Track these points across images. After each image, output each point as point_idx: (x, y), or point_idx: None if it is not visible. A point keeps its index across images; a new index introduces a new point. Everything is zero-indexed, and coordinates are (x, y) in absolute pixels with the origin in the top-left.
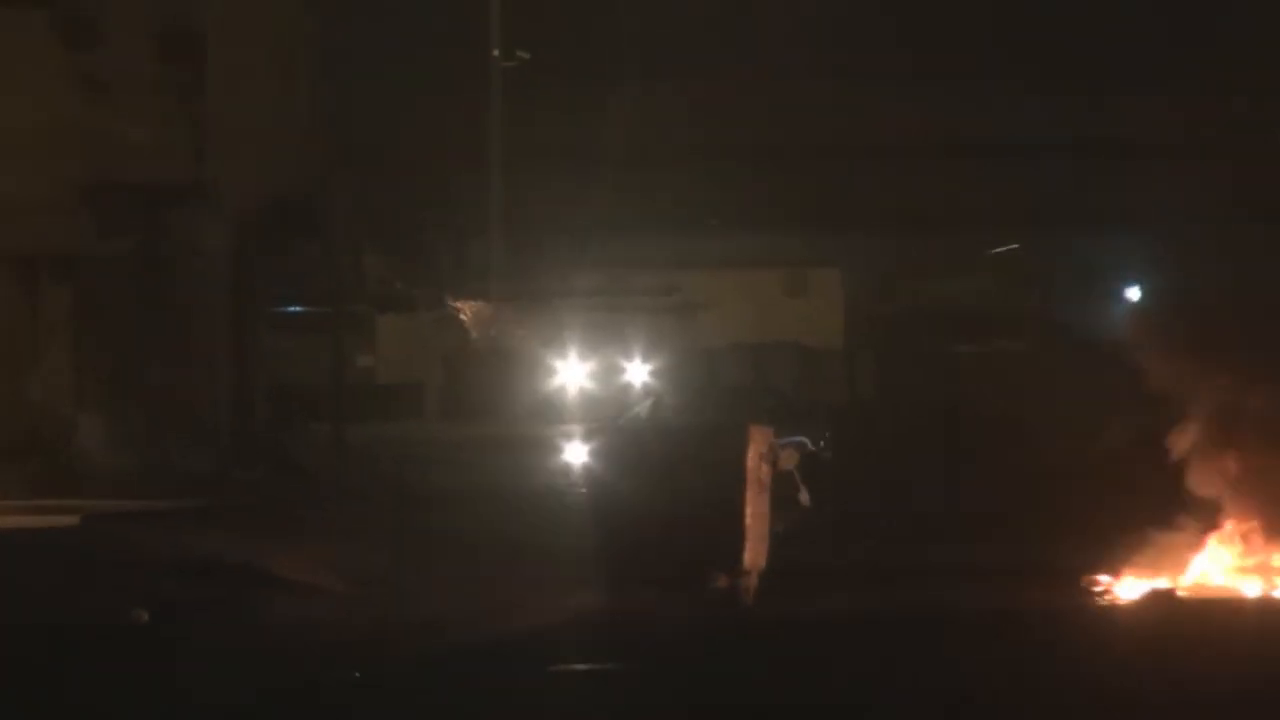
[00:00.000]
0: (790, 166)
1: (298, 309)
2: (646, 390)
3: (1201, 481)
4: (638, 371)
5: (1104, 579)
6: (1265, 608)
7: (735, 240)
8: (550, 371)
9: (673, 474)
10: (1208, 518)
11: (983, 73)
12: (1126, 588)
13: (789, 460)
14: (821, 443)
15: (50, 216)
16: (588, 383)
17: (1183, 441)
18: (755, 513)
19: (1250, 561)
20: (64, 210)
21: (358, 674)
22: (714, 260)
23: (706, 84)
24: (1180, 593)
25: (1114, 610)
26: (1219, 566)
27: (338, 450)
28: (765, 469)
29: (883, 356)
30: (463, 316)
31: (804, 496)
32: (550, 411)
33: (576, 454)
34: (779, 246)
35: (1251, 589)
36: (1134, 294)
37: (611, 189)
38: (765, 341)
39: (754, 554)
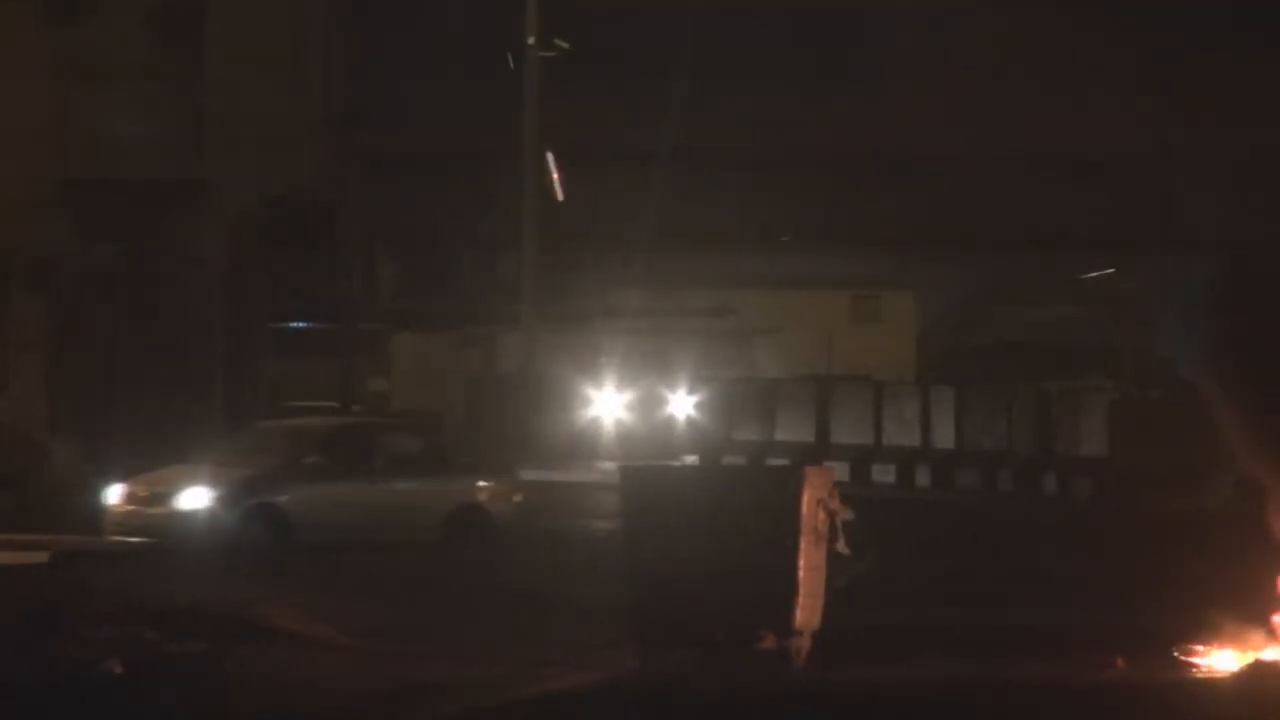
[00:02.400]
0: (862, 180)
1: (303, 325)
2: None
3: None
4: (682, 404)
5: (1199, 648)
6: None
7: (798, 258)
8: (585, 402)
9: (719, 521)
10: None
11: (1070, 84)
12: (1224, 658)
13: (848, 510)
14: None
15: (24, 217)
16: (626, 415)
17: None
18: (810, 566)
19: None
20: (40, 210)
21: None
22: (774, 280)
23: (771, 84)
24: None
25: (1209, 685)
26: None
27: None
28: (823, 517)
29: (962, 394)
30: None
31: (841, 545)
32: (583, 447)
33: (612, 495)
34: (846, 267)
35: None
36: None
37: (661, 198)
38: (832, 373)
39: (807, 612)
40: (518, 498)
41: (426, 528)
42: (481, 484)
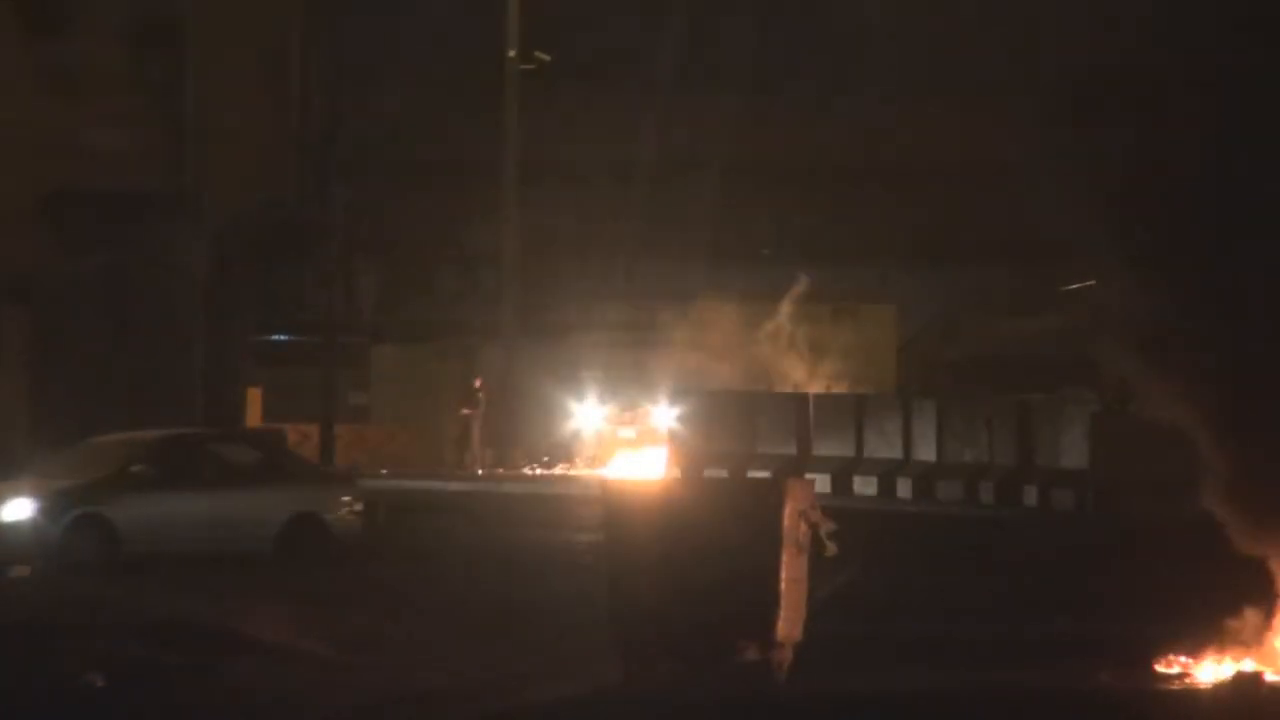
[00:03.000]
0: (842, 191)
1: (284, 337)
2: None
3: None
4: (664, 415)
5: (1181, 659)
6: None
7: (777, 272)
8: (566, 413)
9: (699, 532)
10: None
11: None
12: (1206, 670)
13: (829, 522)
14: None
15: (5, 229)
16: (607, 426)
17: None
18: (791, 577)
19: None
20: (21, 221)
21: None
22: (755, 293)
23: (749, 97)
24: (1270, 676)
25: (1191, 695)
26: None
27: None
28: (804, 529)
29: (943, 406)
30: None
31: (831, 547)
32: (564, 458)
33: (592, 507)
34: (826, 279)
35: None
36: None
37: (642, 211)
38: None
39: (789, 624)
40: (357, 507)
41: (260, 538)
42: (318, 493)
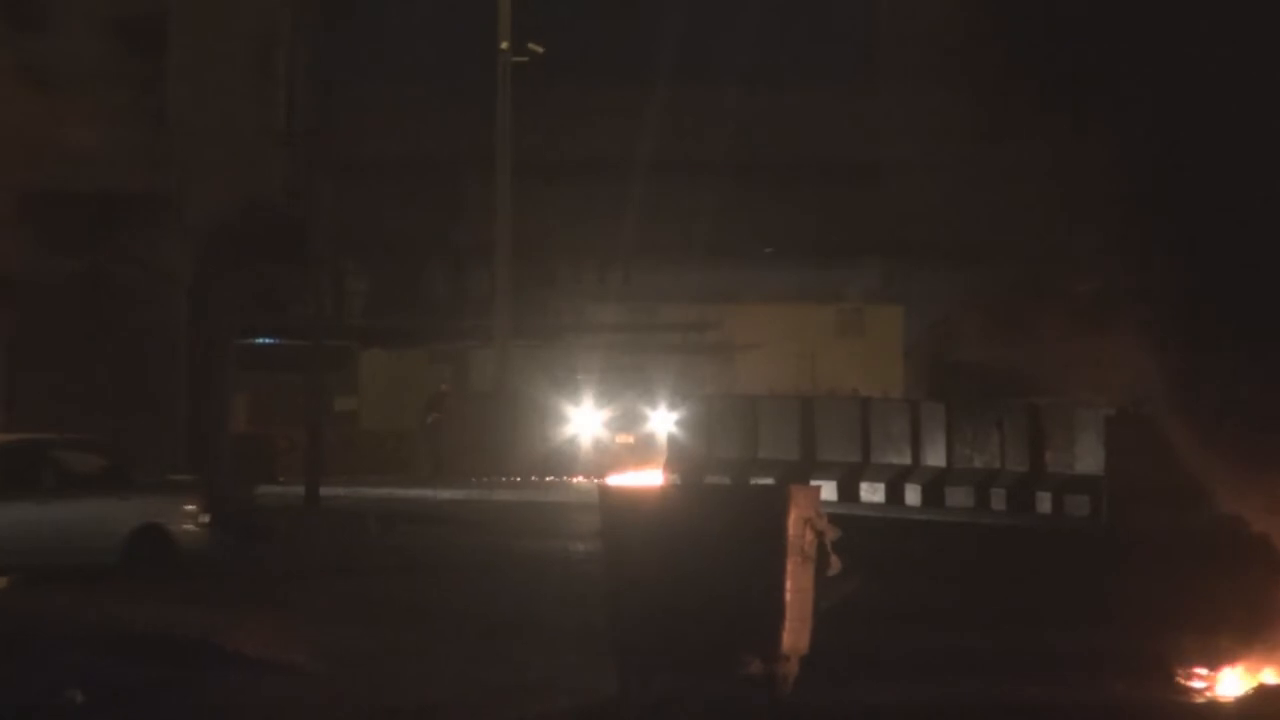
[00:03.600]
0: (847, 190)
1: (270, 341)
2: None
3: None
4: (663, 420)
5: (1201, 671)
6: None
7: (781, 271)
8: (561, 419)
9: (700, 541)
10: None
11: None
12: (1227, 682)
13: (835, 529)
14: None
15: None
16: (604, 433)
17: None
18: (796, 588)
19: None
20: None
21: None
22: (756, 294)
23: (751, 92)
24: None
25: (1212, 709)
26: None
27: (312, 509)
28: (809, 537)
29: (952, 410)
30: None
31: (835, 564)
32: (560, 466)
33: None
34: (831, 280)
35: None
36: None
37: (639, 209)
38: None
39: (794, 635)
40: (204, 518)
41: (103, 550)
42: (165, 504)
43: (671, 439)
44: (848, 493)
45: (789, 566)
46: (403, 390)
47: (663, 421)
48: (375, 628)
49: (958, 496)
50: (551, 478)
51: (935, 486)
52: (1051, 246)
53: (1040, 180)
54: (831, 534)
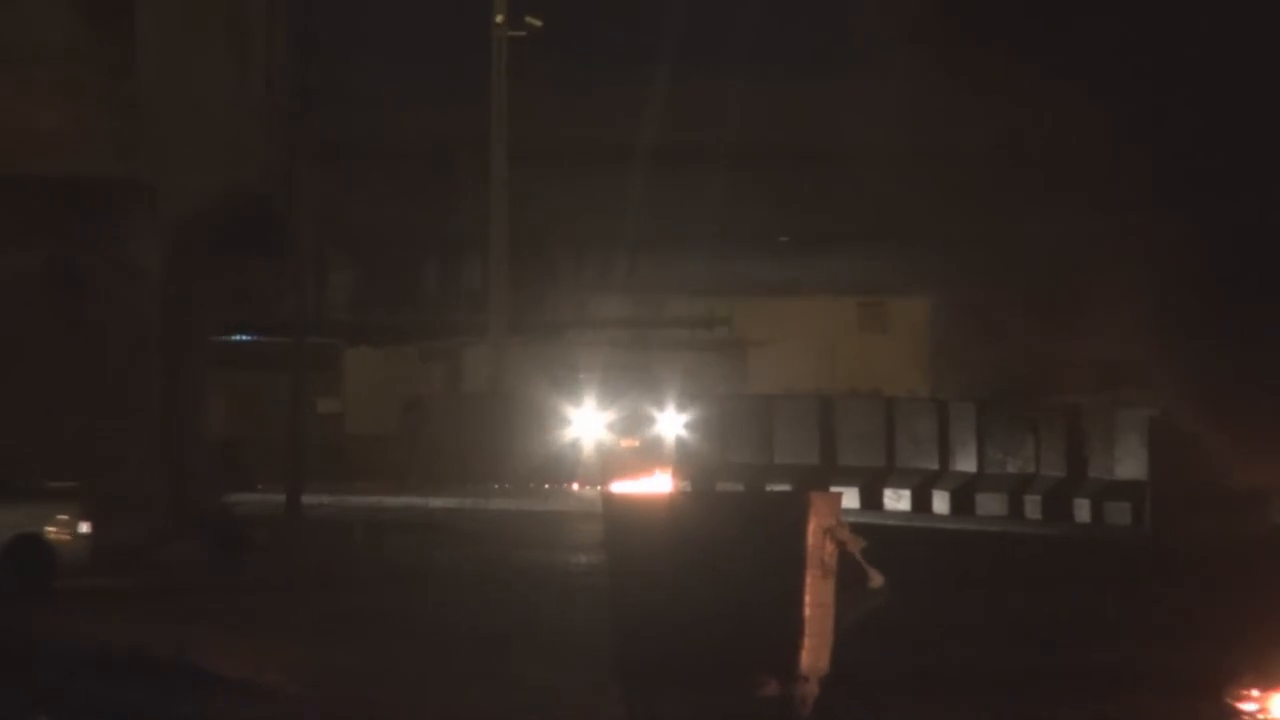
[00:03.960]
0: (867, 174)
1: (248, 338)
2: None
3: None
4: (671, 423)
5: (1252, 692)
6: None
7: (797, 262)
8: (562, 421)
9: (712, 552)
10: None
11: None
12: None
13: (857, 540)
14: None
15: None
16: (608, 436)
17: None
18: (816, 602)
19: None
20: None
21: None
22: (770, 286)
23: (761, 73)
24: None
25: None
26: None
27: (294, 519)
28: (830, 548)
29: (983, 410)
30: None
31: (876, 578)
32: (561, 472)
33: (593, 524)
34: (851, 270)
35: None
36: None
37: (644, 197)
38: (836, 388)
39: (813, 654)
40: (84, 528)
41: None
42: (42, 512)
43: (680, 442)
44: (871, 500)
45: (808, 579)
46: (391, 391)
47: (671, 424)
48: (360, 645)
49: (989, 504)
50: (551, 485)
51: (965, 493)
52: (1092, 235)
53: (1079, 167)
54: (855, 544)
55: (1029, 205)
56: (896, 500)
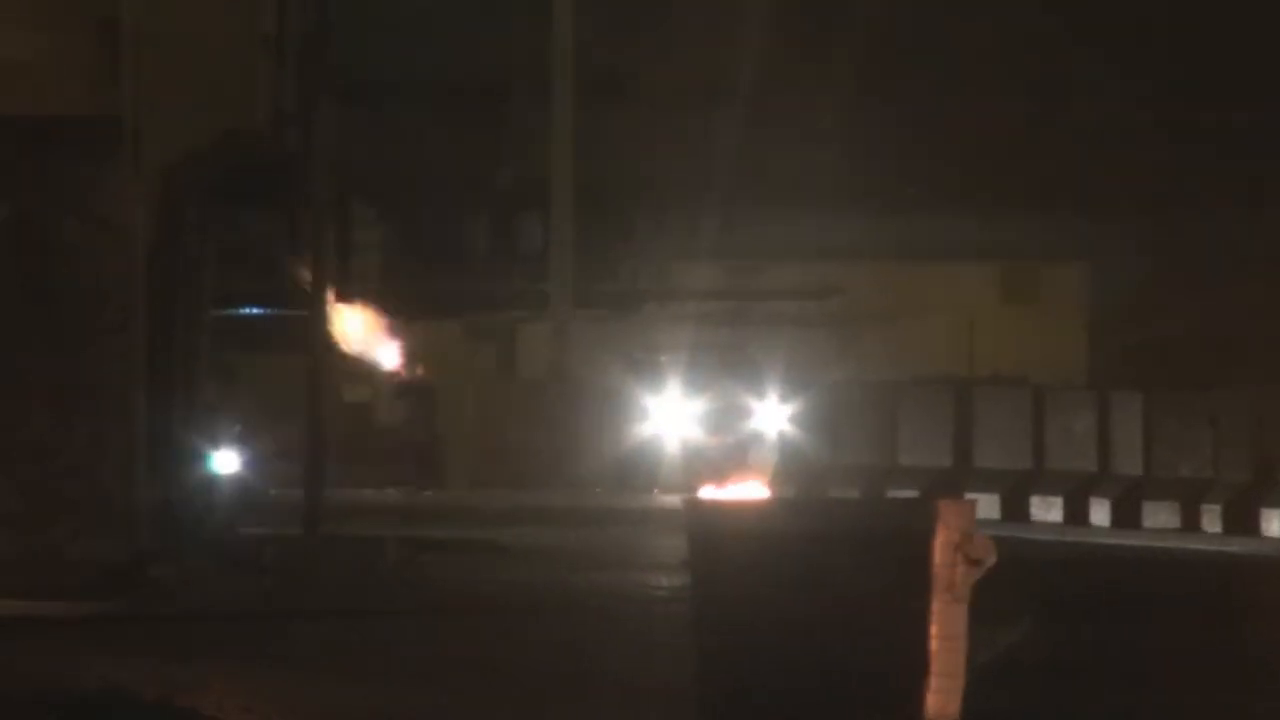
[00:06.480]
0: (1013, 115)
1: (255, 311)
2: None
3: None
4: (772, 415)
5: None
6: None
7: (927, 220)
8: (639, 414)
9: (819, 573)
10: None
11: None
12: None
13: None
14: None
15: None
16: (695, 431)
17: None
18: (944, 634)
19: None
20: None
21: None
22: (892, 250)
23: None
24: None
25: None
26: None
27: (309, 531)
28: (962, 568)
29: (1151, 401)
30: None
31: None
32: (636, 475)
33: (675, 539)
34: (994, 231)
35: None
36: None
37: (741, 139)
38: (974, 373)
39: (941, 697)
40: None
41: None
42: None
43: (782, 439)
44: (1014, 510)
45: (935, 606)
46: (430, 375)
47: (771, 417)
48: (387, 687)
49: (1158, 514)
50: (625, 491)
51: (1129, 501)
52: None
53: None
54: (991, 563)
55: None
56: (1045, 510)
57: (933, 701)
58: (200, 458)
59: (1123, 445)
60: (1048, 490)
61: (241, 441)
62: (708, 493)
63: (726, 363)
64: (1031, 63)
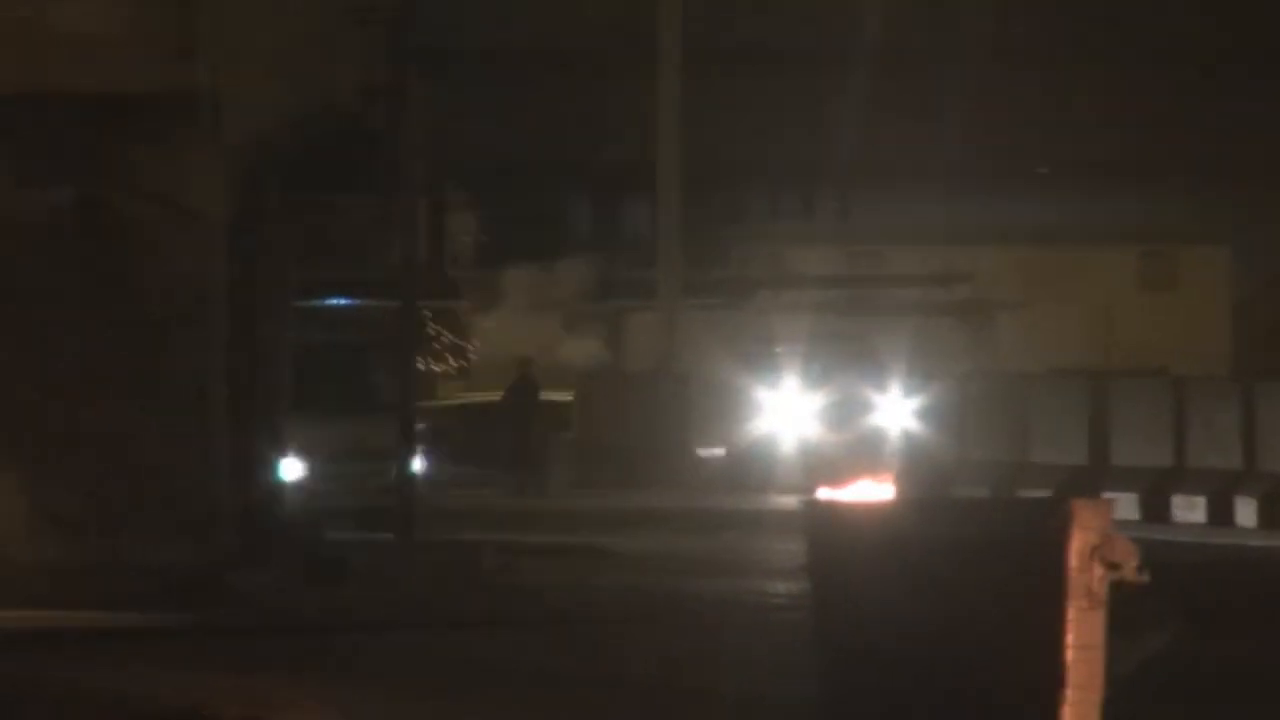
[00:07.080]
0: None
1: (341, 301)
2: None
3: None
4: (896, 411)
5: None
6: None
7: (1059, 202)
8: (754, 409)
9: (946, 579)
10: None
11: None
12: None
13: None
14: None
15: None
16: (814, 428)
17: None
18: (1081, 644)
19: None
20: None
21: None
22: (1024, 234)
23: None
24: None
25: None
26: None
27: (404, 536)
28: (1099, 572)
29: None
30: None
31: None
32: (751, 474)
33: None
34: (1131, 213)
35: None
36: None
37: (861, 116)
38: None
39: (1077, 711)
40: None
41: None
42: None
43: (907, 435)
44: (1155, 510)
45: (1070, 614)
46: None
47: (895, 411)
48: (483, 706)
49: None
50: (738, 490)
51: (1277, 500)
52: None
53: None
54: (1131, 568)
55: None
56: (1188, 510)
57: (1068, 715)
58: (277, 458)
59: (1270, 440)
60: (1190, 489)
61: (428, 442)
62: (827, 494)
63: (846, 354)
64: (1170, 38)
